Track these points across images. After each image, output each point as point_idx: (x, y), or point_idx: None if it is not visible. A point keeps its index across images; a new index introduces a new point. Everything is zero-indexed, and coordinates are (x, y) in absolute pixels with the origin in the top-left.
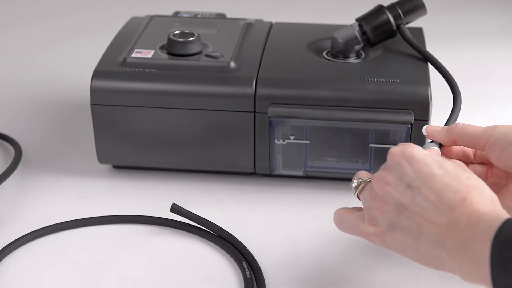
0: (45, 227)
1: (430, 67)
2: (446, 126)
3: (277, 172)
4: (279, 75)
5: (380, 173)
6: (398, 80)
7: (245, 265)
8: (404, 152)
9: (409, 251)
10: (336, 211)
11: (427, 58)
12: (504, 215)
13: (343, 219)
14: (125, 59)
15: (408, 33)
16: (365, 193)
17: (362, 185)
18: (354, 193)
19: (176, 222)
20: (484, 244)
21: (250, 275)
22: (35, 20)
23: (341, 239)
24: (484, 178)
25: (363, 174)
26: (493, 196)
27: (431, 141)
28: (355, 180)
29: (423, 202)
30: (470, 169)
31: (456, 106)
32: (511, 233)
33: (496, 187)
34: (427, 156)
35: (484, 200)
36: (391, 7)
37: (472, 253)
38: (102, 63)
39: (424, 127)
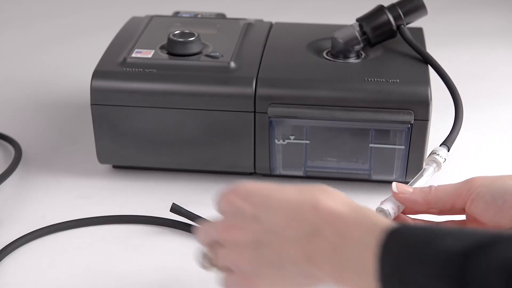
0: (45, 227)
1: (430, 67)
2: (419, 188)
3: (277, 172)
4: (279, 75)
5: (219, 224)
6: (398, 80)
7: None
8: (235, 192)
9: (282, 284)
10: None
11: (427, 60)
12: (379, 220)
13: (226, 281)
14: (125, 59)
15: (408, 34)
16: (219, 256)
17: (212, 254)
18: (210, 270)
19: (176, 222)
20: (365, 255)
21: None
22: (35, 20)
23: None
24: None
25: (205, 239)
26: (344, 197)
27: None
28: (200, 259)
29: (274, 226)
30: None
31: (459, 113)
32: (402, 248)
33: None
34: (258, 184)
35: (338, 202)
36: (391, 8)
37: (349, 261)
38: (102, 63)
39: (394, 184)
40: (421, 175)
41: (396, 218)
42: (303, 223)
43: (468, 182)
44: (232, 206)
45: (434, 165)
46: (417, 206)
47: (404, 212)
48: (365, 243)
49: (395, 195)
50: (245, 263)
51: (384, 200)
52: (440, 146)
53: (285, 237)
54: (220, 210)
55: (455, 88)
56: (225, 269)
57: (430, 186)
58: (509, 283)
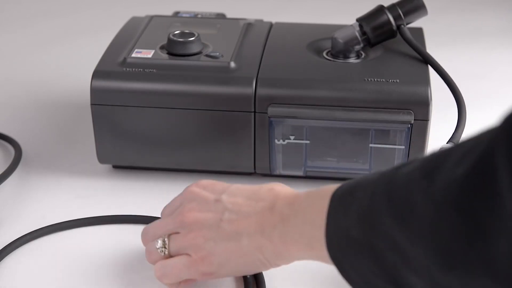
0: (45, 226)
1: (430, 67)
2: None
3: (277, 172)
4: (279, 75)
5: (181, 209)
6: (398, 80)
7: None
8: (196, 184)
9: (235, 259)
10: (156, 264)
11: (427, 60)
12: (326, 187)
13: (165, 267)
14: (125, 59)
15: (408, 34)
16: (174, 242)
17: (166, 240)
18: (164, 254)
19: None
20: (315, 209)
21: (251, 275)
22: (35, 19)
23: None
24: None
25: (158, 232)
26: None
27: None
28: (158, 241)
29: (233, 207)
30: None
31: (462, 110)
32: (348, 186)
33: None
34: (216, 181)
35: (290, 189)
36: (391, 8)
37: (295, 224)
38: (102, 63)
39: None
40: None
41: None
42: (259, 201)
43: None
44: (193, 194)
45: None
46: None
47: None
48: (313, 209)
49: None
50: (202, 240)
51: None
52: (447, 143)
53: (243, 213)
54: (179, 200)
55: (457, 87)
56: (177, 254)
57: None
58: (424, 173)
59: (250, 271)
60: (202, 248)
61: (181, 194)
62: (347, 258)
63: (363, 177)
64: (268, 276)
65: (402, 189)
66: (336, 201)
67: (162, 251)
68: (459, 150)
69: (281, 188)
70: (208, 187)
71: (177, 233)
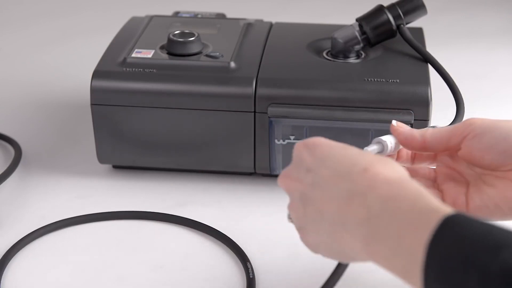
0: (46, 225)
1: (430, 67)
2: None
3: (277, 172)
4: (279, 75)
5: (283, 171)
6: (398, 80)
7: (249, 266)
8: (307, 142)
9: (322, 245)
10: None
11: (427, 59)
12: (431, 202)
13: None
14: (125, 59)
15: (408, 34)
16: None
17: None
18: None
19: (179, 218)
20: (409, 235)
21: (253, 275)
22: (35, 20)
23: None
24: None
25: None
26: (400, 168)
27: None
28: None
29: (320, 181)
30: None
31: (460, 109)
32: (455, 245)
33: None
34: (331, 141)
35: (390, 171)
36: (391, 7)
37: (382, 234)
38: (102, 63)
39: (394, 121)
40: None
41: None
42: (347, 182)
43: (467, 121)
44: (296, 155)
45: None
46: (414, 142)
47: (399, 152)
48: (411, 221)
49: (393, 128)
50: (298, 218)
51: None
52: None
53: (327, 194)
54: (292, 159)
55: (456, 86)
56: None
57: (427, 128)
58: None
59: (338, 258)
60: (296, 221)
61: (296, 145)
62: None
63: (475, 232)
64: (268, 276)
65: None
66: (438, 254)
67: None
68: None
69: (377, 167)
70: (312, 149)
71: None
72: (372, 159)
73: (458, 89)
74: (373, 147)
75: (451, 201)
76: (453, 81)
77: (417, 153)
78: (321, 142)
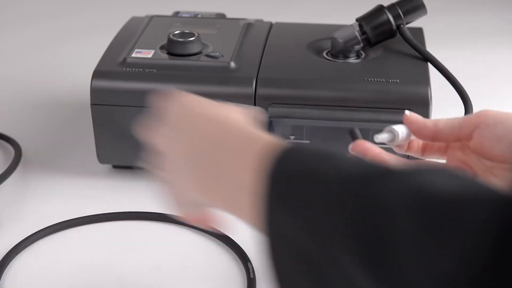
0: (47, 227)
1: (430, 67)
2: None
3: None
4: (279, 75)
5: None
6: (398, 80)
7: (249, 266)
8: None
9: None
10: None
11: (428, 59)
12: (265, 135)
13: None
14: (125, 59)
15: (408, 33)
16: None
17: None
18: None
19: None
20: (242, 166)
21: (254, 275)
22: (35, 20)
23: None
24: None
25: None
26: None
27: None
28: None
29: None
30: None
31: (467, 104)
32: (292, 168)
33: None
34: (193, 100)
35: (241, 117)
36: (391, 7)
37: (221, 169)
38: (102, 63)
39: (407, 111)
40: None
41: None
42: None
43: (481, 112)
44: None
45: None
46: (426, 131)
47: (410, 143)
48: (244, 154)
49: (405, 118)
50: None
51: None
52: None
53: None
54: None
55: (459, 83)
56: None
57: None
58: (410, 210)
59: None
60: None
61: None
62: (281, 259)
63: (310, 151)
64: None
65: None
66: (278, 187)
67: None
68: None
69: (229, 114)
70: (179, 109)
71: None
72: (227, 108)
73: (461, 85)
74: (383, 136)
75: None
76: (456, 79)
77: (428, 144)
78: (187, 102)
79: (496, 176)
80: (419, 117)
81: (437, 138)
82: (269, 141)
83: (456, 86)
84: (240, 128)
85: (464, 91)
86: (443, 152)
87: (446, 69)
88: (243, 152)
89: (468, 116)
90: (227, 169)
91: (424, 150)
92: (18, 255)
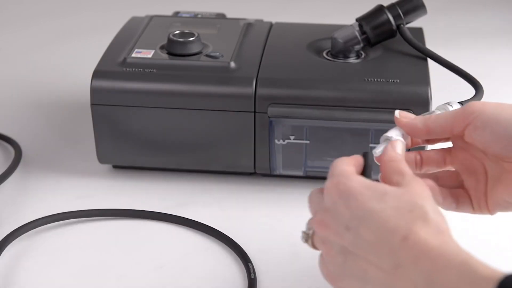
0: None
1: (430, 67)
2: (421, 115)
3: (277, 172)
4: (279, 75)
5: (319, 216)
6: (398, 80)
7: (250, 266)
8: (339, 188)
9: None
10: None
11: (429, 56)
12: (478, 267)
13: (320, 258)
14: (125, 59)
15: (408, 33)
16: (316, 241)
17: (311, 233)
18: (309, 246)
19: (179, 218)
20: None
21: (255, 276)
22: (35, 20)
23: None
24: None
25: (311, 223)
26: (439, 222)
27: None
28: (304, 231)
29: (364, 244)
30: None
31: (479, 91)
32: None
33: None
34: (364, 189)
35: (430, 235)
36: (391, 7)
37: None
38: (102, 63)
39: (397, 111)
40: (427, 113)
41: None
42: (389, 254)
43: (470, 106)
44: (331, 202)
45: (443, 111)
46: (417, 132)
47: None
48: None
49: (396, 120)
50: (332, 262)
51: (389, 130)
52: (457, 102)
53: (371, 258)
54: (325, 200)
55: (466, 72)
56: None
57: (432, 112)
58: None
59: None
60: (331, 268)
61: (329, 188)
62: None
63: None
64: (268, 276)
65: None
66: None
67: (306, 240)
68: None
69: (417, 235)
70: (347, 200)
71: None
72: (410, 220)
73: (469, 74)
74: (381, 148)
75: (476, 202)
76: (462, 70)
77: (424, 157)
78: (354, 190)
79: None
80: (409, 118)
81: (431, 136)
82: (479, 270)
83: (465, 76)
84: (462, 264)
85: (474, 78)
86: (441, 165)
87: (451, 63)
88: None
89: (457, 113)
90: None
91: (421, 164)
92: (16, 250)
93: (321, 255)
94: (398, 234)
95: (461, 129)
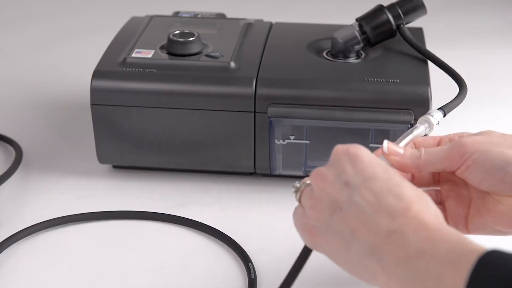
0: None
1: (430, 67)
2: (409, 150)
3: (277, 172)
4: (279, 75)
5: (320, 168)
6: (398, 80)
7: (251, 266)
8: (349, 150)
9: (339, 257)
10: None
11: (428, 57)
12: (471, 243)
13: (296, 211)
14: (125, 59)
15: (408, 33)
16: (304, 195)
17: (302, 187)
18: (296, 198)
19: (180, 218)
20: (450, 274)
21: (255, 276)
22: (35, 20)
23: None
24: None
25: (307, 179)
26: (438, 211)
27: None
28: (296, 183)
29: (361, 202)
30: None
31: (462, 92)
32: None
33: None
34: (372, 158)
35: (430, 215)
36: (391, 7)
37: (422, 275)
38: (102, 63)
39: (385, 142)
40: (411, 132)
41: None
42: (388, 218)
43: (461, 146)
44: (336, 159)
45: (426, 124)
46: (408, 170)
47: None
48: (451, 262)
49: (385, 156)
50: (317, 218)
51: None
52: (437, 109)
53: (365, 219)
54: (330, 159)
55: (462, 79)
56: (302, 206)
57: (420, 150)
58: None
59: (354, 274)
60: (314, 224)
61: (338, 148)
62: None
63: (509, 257)
64: (267, 276)
65: None
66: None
67: (295, 196)
68: None
69: (418, 211)
70: (357, 163)
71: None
72: (413, 195)
73: (464, 81)
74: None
75: (453, 222)
76: (459, 75)
77: (416, 177)
78: (363, 155)
79: (489, 204)
80: (397, 156)
81: (421, 172)
82: (470, 245)
83: (459, 82)
84: (456, 238)
85: (459, 75)
86: (434, 184)
87: (449, 66)
88: (463, 265)
89: (448, 153)
90: (442, 278)
91: (413, 180)
92: (17, 256)
93: (297, 209)
94: (402, 203)
95: (453, 168)
